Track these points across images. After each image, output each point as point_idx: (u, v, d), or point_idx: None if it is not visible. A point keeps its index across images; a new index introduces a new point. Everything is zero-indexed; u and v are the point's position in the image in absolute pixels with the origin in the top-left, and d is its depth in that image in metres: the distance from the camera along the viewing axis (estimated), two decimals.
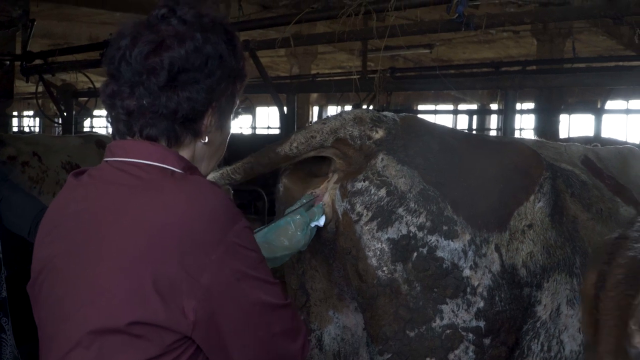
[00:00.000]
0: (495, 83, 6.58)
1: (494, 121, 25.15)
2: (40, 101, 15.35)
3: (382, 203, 2.79)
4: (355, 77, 7.14)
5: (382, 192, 2.80)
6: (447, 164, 2.93)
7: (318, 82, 12.54)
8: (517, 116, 23.25)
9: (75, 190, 2.20)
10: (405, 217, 2.77)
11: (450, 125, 18.27)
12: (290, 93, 8.10)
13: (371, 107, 11.76)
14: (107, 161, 2.19)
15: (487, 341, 2.81)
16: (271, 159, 3.01)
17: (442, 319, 2.77)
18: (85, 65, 10.98)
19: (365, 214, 2.80)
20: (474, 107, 24.72)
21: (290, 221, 2.84)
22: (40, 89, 12.36)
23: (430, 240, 2.76)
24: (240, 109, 2.44)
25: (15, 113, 26.67)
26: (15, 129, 28.55)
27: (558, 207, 3.07)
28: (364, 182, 2.83)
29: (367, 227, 2.79)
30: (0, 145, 6.78)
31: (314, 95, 26.03)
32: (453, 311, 2.76)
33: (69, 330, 2.05)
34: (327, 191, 2.96)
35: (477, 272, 2.78)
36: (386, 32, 5.91)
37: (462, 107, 26.60)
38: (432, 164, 2.90)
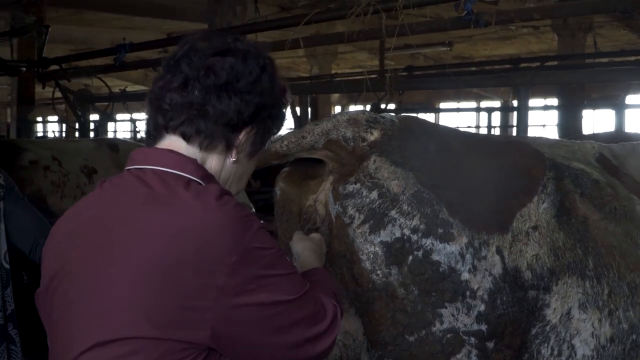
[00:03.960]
0: (506, 80, 6.54)
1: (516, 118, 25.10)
2: (64, 106, 15.48)
3: (374, 205, 2.75)
4: (365, 77, 7.11)
5: (374, 194, 2.76)
6: (445, 165, 2.88)
7: (329, 82, 12.54)
8: (541, 113, 23.25)
9: (94, 197, 2.23)
10: (399, 220, 2.72)
11: (473, 122, 18.30)
12: (303, 94, 8.09)
13: (390, 106, 11.74)
14: (128, 169, 2.20)
15: (490, 345, 2.75)
16: (262, 155, 3.00)
17: (442, 323, 2.72)
18: (99, 70, 11.03)
19: (357, 217, 2.76)
20: (497, 104, 24.68)
21: None
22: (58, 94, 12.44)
23: (425, 243, 2.70)
24: None
25: (39, 119, 26.84)
26: (40, 134, 28.81)
27: (565, 208, 3.01)
28: (355, 184, 2.79)
29: (359, 230, 2.75)
30: (21, 150, 6.84)
31: (336, 96, 26.02)
32: (453, 315, 2.71)
33: (80, 335, 2.07)
34: (322, 192, 2.93)
35: (476, 275, 2.73)
36: (396, 31, 5.87)
37: (484, 104, 26.55)
38: (429, 165, 2.84)
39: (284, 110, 2.37)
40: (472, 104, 27.15)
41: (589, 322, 2.91)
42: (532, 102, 25.15)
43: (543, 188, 2.95)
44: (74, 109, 11.84)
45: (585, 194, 3.17)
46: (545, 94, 22.64)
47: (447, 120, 27.66)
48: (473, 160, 2.96)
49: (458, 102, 27.64)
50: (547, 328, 2.87)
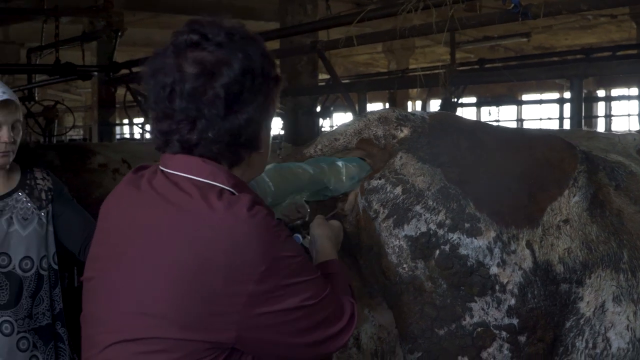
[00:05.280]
0: (559, 72, 6.45)
1: (601, 108, 24.69)
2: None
3: (398, 201, 2.79)
4: (434, 72, 7.07)
5: (398, 189, 2.81)
6: (475, 160, 2.91)
7: (401, 77, 12.50)
8: (624, 103, 22.83)
9: (132, 193, 2.29)
10: (424, 215, 2.76)
11: (556, 114, 18.08)
12: (361, 92, 8.10)
13: (461, 100, 11.67)
14: (162, 170, 2.26)
15: (522, 338, 2.77)
16: (297, 160, 3.08)
17: (472, 316, 2.75)
18: None
19: (381, 212, 2.82)
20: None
21: (344, 165, 2.94)
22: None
23: (452, 237, 2.74)
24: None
25: (125, 121, 27.31)
26: (127, 136, 29.30)
27: (599, 201, 3.00)
28: (380, 180, 2.85)
29: (384, 225, 2.81)
30: (91, 154, 6.96)
31: (415, 91, 25.90)
32: (483, 309, 2.74)
33: (108, 331, 2.17)
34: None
35: (505, 269, 2.75)
36: (445, 26, 5.86)
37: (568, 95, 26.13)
38: (458, 161, 2.88)
39: (275, 69, 2.32)
40: (555, 95, 26.74)
41: (624, 315, 2.90)
42: (616, 92, 24.86)
43: (574, 181, 2.95)
44: (144, 112, 12.01)
45: (620, 186, 3.16)
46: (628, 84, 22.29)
47: (530, 112, 27.34)
48: (504, 155, 2.98)
49: (541, 94, 27.25)
50: (582, 321, 2.87)
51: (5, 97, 3.57)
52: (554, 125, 19.17)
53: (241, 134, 2.19)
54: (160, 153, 2.27)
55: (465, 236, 2.74)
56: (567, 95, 25.66)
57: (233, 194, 2.17)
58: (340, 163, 2.93)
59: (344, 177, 2.91)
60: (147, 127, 13.40)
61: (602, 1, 5.61)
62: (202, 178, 2.18)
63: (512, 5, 5.43)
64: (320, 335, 2.23)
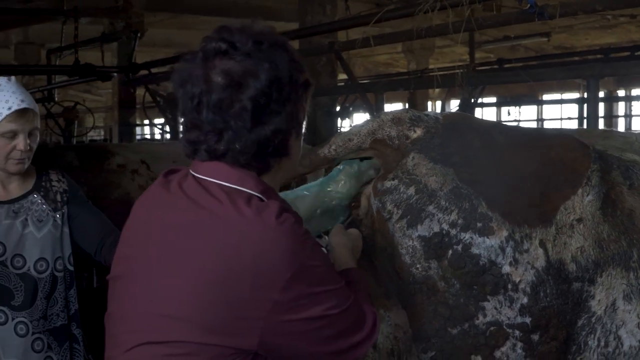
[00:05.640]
0: (576, 72, 6.45)
1: (621, 108, 24.57)
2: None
3: (411, 201, 2.81)
4: (452, 72, 7.07)
5: (411, 190, 2.83)
6: (488, 160, 2.92)
7: (419, 77, 12.48)
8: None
9: (162, 196, 2.33)
10: (437, 215, 2.78)
11: (576, 114, 18.07)
12: (378, 92, 8.11)
13: (481, 100, 11.64)
14: (193, 175, 2.29)
15: (535, 337, 2.78)
16: (312, 160, 3.12)
17: (485, 315, 2.76)
18: None
19: (395, 212, 2.84)
20: (601, 94, 24.18)
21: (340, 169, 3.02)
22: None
23: (464, 237, 2.75)
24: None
25: (146, 121, 27.39)
26: (147, 137, 29.40)
27: (610, 200, 3.01)
28: (393, 180, 2.87)
29: (397, 225, 2.83)
30: (110, 155, 6.99)
31: (435, 91, 25.85)
32: (496, 308, 2.75)
33: (134, 332, 2.21)
34: (369, 186, 3.02)
35: (517, 268, 2.76)
36: (462, 26, 5.87)
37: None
38: (470, 161, 2.89)
39: (306, 74, 2.33)
40: (576, 95, 26.63)
41: (634, 313, 2.91)
42: (636, 91, 24.70)
43: (587, 180, 2.95)
44: (163, 113, 12.06)
45: (634, 185, 3.15)
46: None
47: (550, 111, 27.24)
48: (517, 155, 2.98)
49: (561, 94, 27.12)
50: (593, 319, 2.87)
51: (23, 105, 3.60)
52: (574, 125, 19.08)
53: (268, 145, 2.21)
54: (191, 160, 2.31)
55: (477, 235, 2.75)
56: (587, 95, 25.53)
57: (262, 200, 2.20)
58: (334, 173, 2.99)
59: (342, 181, 2.95)
60: (167, 128, 13.46)
61: (616, 1, 5.60)
62: (231, 184, 2.21)
63: (529, 5, 5.44)
64: (343, 344, 2.26)
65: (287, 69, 2.22)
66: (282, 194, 2.69)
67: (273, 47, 2.22)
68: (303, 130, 2.39)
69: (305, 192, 2.98)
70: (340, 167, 3.02)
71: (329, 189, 2.97)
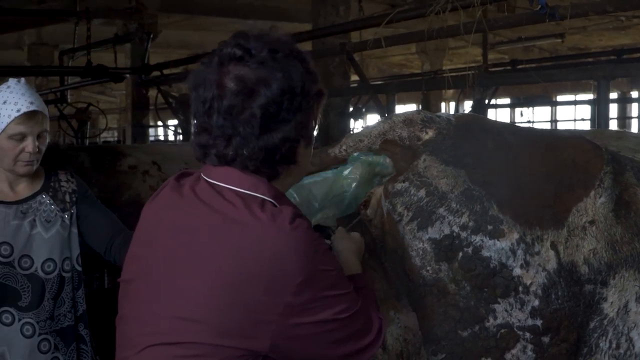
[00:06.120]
0: (586, 74, 6.44)
1: (635, 109, 24.49)
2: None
3: (422, 203, 2.80)
4: (460, 73, 7.06)
5: (422, 192, 2.81)
6: (500, 162, 2.91)
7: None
8: None
9: (174, 199, 2.34)
10: (447, 217, 2.77)
11: (588, 115, 18.06)
12: (390, 93, 8.11)
13: (495, 101, 11.63)
14: (205, 179, 2.30)
15: (546, 339, 2.77)
16: (322, 159, 3.12)
17: (495, 318, 2.75)
18: None
19: (406, 214, 2.82)
20: (615, 95, 24.11)
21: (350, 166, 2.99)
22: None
23: (475, 240, 2.74)
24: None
25: (159, 123, 27.51)
26: (161, 138, 29.49)
27: (623, 202, 2.99)
28: (404, 182, 2.86)
29: (408, 227, 2.81)
30: (121, 156, 7.00)
31: (450, 92, 25.82)
32: (506, 310, 2.74)
33: (147, 334, 2.22)
34: (379, 186, 3.01)
35: (528, 270, 2.75)
36: (473, 27, 5.87)
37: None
38: (483, 163, 2.88)
39: (319, 84, 2.34)
40: (590, 96, 26.57)
41: None
42: None
43: (600, 182, 2.94)
44: (175, 114, 12.09)
45: None
46: None
47: (564, 113, 27.17)
48: (529, 157, 2.97)
49: (575, 95, 27.04)
50: (605, 322, 2.86)
51: (32, 108, 3.61)
52: (587, 126, 19.07)
53: (276, 152, 2.22)
54: (201, 163, 2.33)
55: (487, 238, 2.74)
56: (597, 96, 25.40)
57: (274, 205, 2.21)
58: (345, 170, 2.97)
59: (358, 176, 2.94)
60: (180, 129, 13.49)
61: (627, 2, 5.59)
62: (244, 189, 2.22)
63: (540, 6, 5.43)
64: (351, 348, 2.28)
65: (300, 80, 2.22)
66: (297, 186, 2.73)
67: (288, 57, 2.23)
68: (313, 139, 2.39)
69: (321, 178, 2.97)
70: (355, 154, 3.00)
71: (344, 174, 2.96)
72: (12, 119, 3.56)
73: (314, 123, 2.34)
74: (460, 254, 2.75)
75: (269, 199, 2.22)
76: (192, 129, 2.32)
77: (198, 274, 2.15)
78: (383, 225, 2.93)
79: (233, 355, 2.11)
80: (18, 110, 3.57)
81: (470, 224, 2.75)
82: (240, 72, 2.17)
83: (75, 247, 3.87)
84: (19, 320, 3.67)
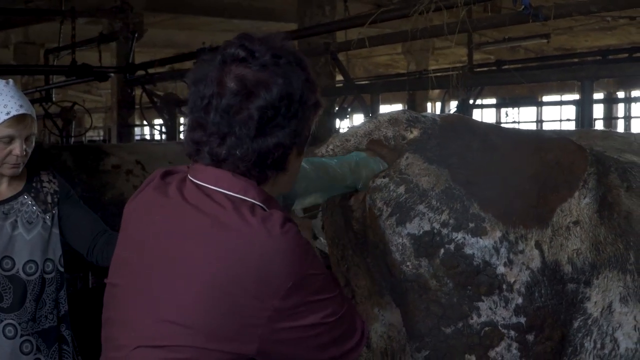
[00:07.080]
0: (570, 74, 6.47)
1: (621, 110, 24.60)
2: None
3: (401, 199, 2.82)
4: (444, 74, 7.07)
5: (401, 189, 2.83)
6: (485, 162, 2.93)
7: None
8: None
9: (160, 199, 2.32)
10: (427, 214, 2.78)
11: (574, 115, 18.12)
12: (375, 93, 8.12)
13: (480, 102, 11.66)
14: (192, 181, 2.28)
15: (530, 337, 2.79)
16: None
17: (479, 315, 2.77)
18: (183, 75, 11.24)
19: (385, 210, 2.84)
20: (601, 96, 24.22)
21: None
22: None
23: (456, 237, 2.76)
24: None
25: (145, 122, 27.49)
26: (147, 137, 29.44)
27: (607, 203, 3.00)
28: (384, 178, 2.88)
29: (388, 222, 2.83)
30: (104, 155, 6.99)
31: (436, 92, 25.88)
32: (490, 308, 2.76)
33: (133, 337, 2.20)
34: None
35: (512, 268, 2.76)
36: (457, 27, 5.88)
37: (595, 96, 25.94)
38: (467, 163, 2.89)
39: (318, 95, 2.34)
40: (576, 96, 26.66)
41: (631, 316, 2.91)
42: (636, 93, 24.74)
43: (584, 183, 2.95)
44: (160, 113, 12.08)
45: (632, 187, 3.15)
46: None
47: (550, 113, 27.26)
48: (514, 157, 2.99)
49: (561, 96, 27.13)
50: (589, 321, 2.88)
51: (22, 111, 3.60)
52: (572, 126, 19.15)
53: (268, 156, 2.22)
54: (191, 160, 2.31)
55: (470, 236, 2.76)
56: (581, 96, 25.46)
57: (264, 209, 2.21)
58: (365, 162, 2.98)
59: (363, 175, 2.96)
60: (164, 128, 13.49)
61: (611, 3, 5.61)
62: (234, 193, 2.21)
63: (523, 7, 5.45)
64: (336, 351, 2.29)
65: (300, 88, 2.23)
66: (305, 160, 2.73)
67: (291, 64, 2.23)
68: (305, 149, 2.39)
69: (327, 160, 2.97)
70: (352, 154, 3.01)
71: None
72: (1, 121, 3.55)
73: (307, 132, 2.34)
74: (442, 250, 2.76)
75: (258, 203, 2.21)
76: (187, 124, 2.31)
77: (185, 277, 2.13)
78: (364, 220, 2.94)
79: (220, 359, 2.11)
80: (7, 113, 3.55)
81: (451, 221, 2.77)
82: (242, 73, 2.17)
83: (57, 249, 3.86)
84: (1, 321, 3.67)
